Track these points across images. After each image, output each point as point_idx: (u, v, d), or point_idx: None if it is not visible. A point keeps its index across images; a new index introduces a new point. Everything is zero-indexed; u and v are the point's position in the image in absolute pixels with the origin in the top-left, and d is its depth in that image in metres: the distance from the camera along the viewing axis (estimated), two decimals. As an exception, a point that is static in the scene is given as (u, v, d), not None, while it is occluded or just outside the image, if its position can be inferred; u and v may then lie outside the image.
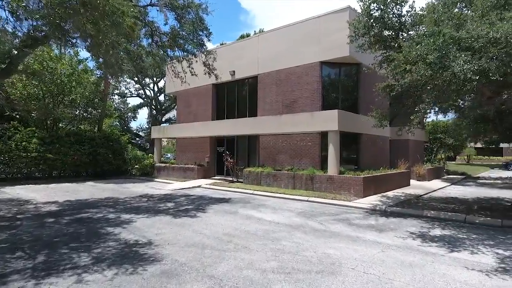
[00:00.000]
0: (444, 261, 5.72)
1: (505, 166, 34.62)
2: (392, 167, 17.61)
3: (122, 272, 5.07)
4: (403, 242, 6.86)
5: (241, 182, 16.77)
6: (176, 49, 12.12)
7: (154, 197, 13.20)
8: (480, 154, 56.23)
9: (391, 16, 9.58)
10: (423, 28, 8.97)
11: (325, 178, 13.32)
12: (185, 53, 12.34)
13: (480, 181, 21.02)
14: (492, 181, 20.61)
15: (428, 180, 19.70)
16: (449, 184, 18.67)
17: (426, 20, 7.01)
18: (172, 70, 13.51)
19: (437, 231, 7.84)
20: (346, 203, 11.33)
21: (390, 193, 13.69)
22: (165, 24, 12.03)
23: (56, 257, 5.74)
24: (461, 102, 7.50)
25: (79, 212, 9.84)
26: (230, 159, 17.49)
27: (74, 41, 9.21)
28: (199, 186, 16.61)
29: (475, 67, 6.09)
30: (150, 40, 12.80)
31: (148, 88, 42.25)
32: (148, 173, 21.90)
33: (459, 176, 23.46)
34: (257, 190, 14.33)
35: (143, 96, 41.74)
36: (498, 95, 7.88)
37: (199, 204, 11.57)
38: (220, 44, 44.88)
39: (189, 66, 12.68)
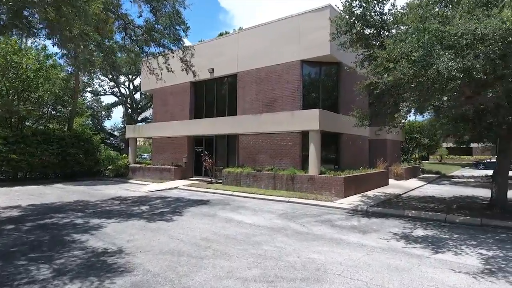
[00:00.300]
0: (430, 264, 5.55)
1: (475, 165, 35.98)
2: (371, 167, 17.70)
3: (86, 286, 4.53)
4: (387, 244, 6.68)
5: (220, 183, 16.30)
6: (152, 44, 11.49)
7: (127, 200, 12.50)
8: (451, 154, 58.47)
9: (373, 14, 9.46)
10: (404, 28, 8.89)
11: (306, 178, 13.10)
12: (161, 48, 11.74)
13: (454, 179, 21.61)
14: (465, 180, 21.23)
15: (406, 179, 20.01)
16: (425, 183, 19.02)
17: (410, 16, 6.87)
18: (147, 66, 12.85)
19: (419, 232, 7.74)
20: (328, 204, 11.14)
21: (370, 193, 13.67)
22: (139, 17, 11.38)
23: (11, 271, 5.09)
24: (444, 100, 7.42)
25: (44, 218, 9.06)
26: (208, 159, 16.97)
27: (38, 31, 8.46)
28: (176, 188, 15.99)
29: (459, 65, 5.99)
30: (123, 34, 12.06)
31: (123, 86, 40.81)
32: (122, 174, 20.96)
33: (434, 175, 24.05)
34: (237, 191, 13.92)
35: (118, 94, 40.25)
36: (478, 94, 7.88)
37: (176, 206, 11.02)
38: (199, 42, 44.20)
39: (165, 62, 12.09)
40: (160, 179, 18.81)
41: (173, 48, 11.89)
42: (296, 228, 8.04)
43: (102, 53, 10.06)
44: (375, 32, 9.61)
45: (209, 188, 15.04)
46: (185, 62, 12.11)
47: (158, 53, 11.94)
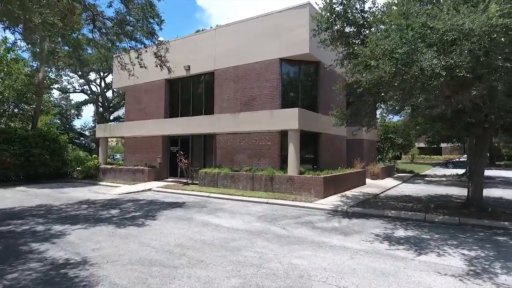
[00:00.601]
0: (415, 267, 5.37)
1: (445, 165, 37.33)
2: (349, 167, 17.75)
3: (40, 306, 3.95)
4: (371, 246, 6.48)
5: (197, 184, 15.73)
6: (123, 37, 10.78)
7: (96, 203, 11.70)
8: (422, 153, 60.53)
9: (354, 11, 9.30)
10: (385, 26, 8.78)
11: (285, 178, 12.83)
12: (133, 42, 11.05)
13: (427, 178, 22.17)
14: (437, 179, 21.82)
15: (382, 179, 20.26)
16: (400, 182, 19.33)
17: (393, 13, 6.72)
18: (119, 62, 12.09)
19: (401, 232, 7.62)
20: (307, 204, 10.91)
21: (348, 193, 13.61)
22: (108, 7, 10.62)
23: (-49, 289, 4.40)
24: (421, 100, 7.34)
25: (-1, 225, 8.20)
26: (184, 159, 16.34)
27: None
28: (149, 190, 15.25)
29: (443, 63, 5.87)
30: (92, 27, 11.26)
31: (94, 84, 39.07)
32: (92, 176, 19.85)
33: (408, 174, 24.59)
34: (214, 193, 13.43)
35: (88, 92, 38.43)
36: (457, 94, 7.88)
37: (149, 210, 10.39)
38: (174, 38, 43.10)
39: (138, 57, 11.41)
40: (133, 180, 17.94)
41: (147, 42, 11.24)
42: (277, 231, 7.70)
43: (67, 45, 9.26)
44: (355, 30, 9.46)
45: (184, 190, 14.44)
46: (160, 58, 11.47)
47: (130, 47, 11.22)
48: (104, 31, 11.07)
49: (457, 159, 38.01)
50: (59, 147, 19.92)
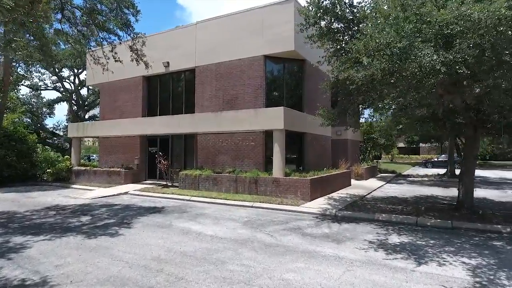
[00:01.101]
0: (418, 279, 4.93)
1: (424, 164, 38.00)
2: (333, 167, 17.43)
3: None
4: (366, 256, 6.01)
5: (177, 186, 14.91)
6: (95, 28, 9.88)
7: (65, 209, 10.73)
8: (401, 153, 61.73)
9: (343, 6, 8.85)
10: (378, 21, 8.38)
11: (270, 180, 12.28)
12: (106, 34, 10.16)
13: (410, 179, 22.25)
14: (420, 179, 21.93)
15: (366, 179, 20.12)
16: (384, 182, 19.23)
17: (390, 4, 6.28)
18: (91, 55, 11.16)
19: (395, 238, 7.22)
20: (294, 208, 10.40)
21: (335, 195, 13.23)
22: None
23: None
24: (415, 98, 6.97)
25: None
26: (163, 161, 15.47)
27: None
28: (126, 193, 14.31)
29: (442, 58, 5.47)
30: (60, 16, 10.28)
31: (68, 81, 37.13)
32: (64, 179, 18.57)
33: (390, 175, 24.65)
34: (195, 196, 12.70)
35: (61, 89, 36.49)
36: (449, 93, 7.58)
37: (124, 216, 9.56)
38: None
39: (112, 51, 10.52)
40: (108, 183, 16.88)
41: (121, 34, 10.38)
42: (264, 239, 7.12)
43: (29, 34, 8.30)
44: (344, 25, 9.01)
45: (164, 193, 13.61)
46: (136, 51, 10.63)
47: (103, 38, 10.32)
48: (74, 21, 10.11)
49: (436, 159, 38.81)
50: (27, 148, 18.54)
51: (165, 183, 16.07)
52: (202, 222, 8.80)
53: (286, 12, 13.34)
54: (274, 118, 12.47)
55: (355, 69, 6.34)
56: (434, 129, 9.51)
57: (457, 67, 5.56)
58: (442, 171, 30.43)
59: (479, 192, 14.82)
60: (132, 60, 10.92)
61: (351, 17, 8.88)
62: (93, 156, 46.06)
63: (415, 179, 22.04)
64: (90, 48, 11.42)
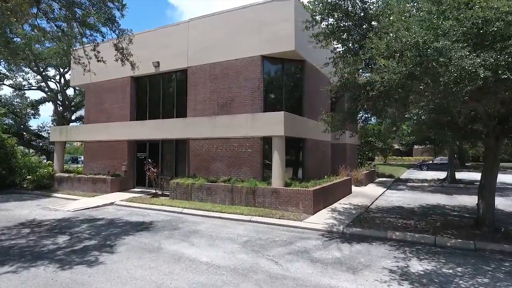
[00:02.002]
0: (463, 331, 4.04)
1: (419, 167, 37.61)
2: (333, 173, 16.60)
3: None
4: (391, 292, 5.11)
5: (167, 195, 13.85)
6: (74, 24, 8.79)
7: (42, 226, 9.59)
8: (394, 155, 61.50)
9: (354, 0, 7.97)
10: (391, 20, 7.51)
11: (269, 191, 11.33)
12: (88, 31, 9.06)
13: (410, 184, 21.58)
14: (420, 184, 21.28)
15: (365, 185, 19.38)
16: (385, 188, 18.49)
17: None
18: (72, 55, 10.05)
19: (416, 265, 6.35)
20: (298, 224, 9.47)
21: (338, 205, 12.36)
22: None
23: None
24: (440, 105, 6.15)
25: None
26: (153, 168, 14.39)
27: None
28: (111, 204, 13.18)
29: (484, 61, 4.61)
30: (36, 10, 9.15)
31: (53, 80, 35.51)
32: (45, 186, 17.26)
33: (389, 179, 23.99)
34: (188, 208, 11.67)
35: (46, 89, 34.88)
36: (474, 100, 6.75)
37: (107, 236, 8.48)
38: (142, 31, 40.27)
39: (94, 49, 9.42)
40: (94, 191, 15.70)
41: (104, 30, 9.30)
42: (269, 268, 6.16)
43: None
44: (355, 23, 8.12)
45: (153, 204, 12.54)
46: (121, 50, 9.55)
47: (83, 34, 9.19)
48: (52, 15, 8.99)
49: (431, 161, 38.46)
50: (5, 153, 17.22)
51: (154, 191, 14.99)
52: (196, 243, 7.80)
53: (286, 10, 12.42)
54: (273, 124, 11.53)
55: (377, 72, 5.43)
56: (452, 137, 8.72)
57: (499, 72, 4.70)
58: (437, 173, 30.02)
59: (463, 199, 14.13)
60: (116, 60, 9.84)
61: (362, 13, 8.00)
62: (81, 157, 44.29)
63: (415, 184, 21.38)
64: (71, 47, 10.31)
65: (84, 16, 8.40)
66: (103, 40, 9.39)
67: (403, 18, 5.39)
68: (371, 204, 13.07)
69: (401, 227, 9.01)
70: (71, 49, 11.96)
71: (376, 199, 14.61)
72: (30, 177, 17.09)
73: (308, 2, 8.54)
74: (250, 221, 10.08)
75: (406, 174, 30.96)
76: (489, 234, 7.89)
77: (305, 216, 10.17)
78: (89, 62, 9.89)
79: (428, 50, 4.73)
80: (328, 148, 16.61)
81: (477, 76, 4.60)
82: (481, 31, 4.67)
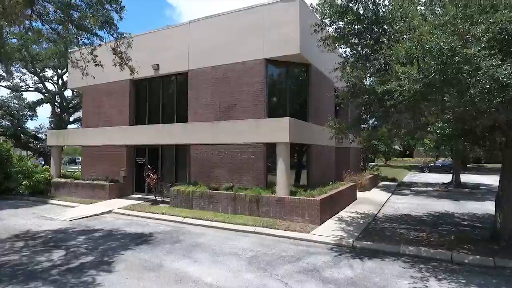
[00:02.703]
0: None
1: (421, 169, 37.21)
2: (337, 179, 16.22)
3: None
4: (414, 322, 4.69)
5: (167, 202, 13.41)
6: (70, 26, 8.35)
7: (37, 238, 9.16)
8: (393, 156, 61.08)
9: (365, 3, 7.56)
10: (413, 23, 7.11)
11: (273, 200, 10.91)
12: (84, 34, 8.61)
13: (414, 188, 21.17)
14: (424, 189, 20.87)
15: (369, 190, 18.98)
16: (389, 194, 18.10)
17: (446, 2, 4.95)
18: (69, 58, 9.61)
19: (435, 286, 5.94)
20: (304, 236, 9.06)
21: (344, 214, 11.96)
22: None
23: None
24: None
25: None
26: (152, 175, 13.96)
27: None
28: (110, 212, 12.75)
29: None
30: (30, 12, 8.71)
31: (51, 81, 35.02)
32: (42, 192, 16.81)
33: (392, 183, 23.59)
34: (189, 217, 11.26)
35: (43, 90, 34.37)
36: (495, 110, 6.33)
37: (105, 250, 8.05)
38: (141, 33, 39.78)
39: (91, 53, 8.98)
40: (92, 198, 15.25)
41: (102, 34, 8.86)
42: (278, 290, 5.74)
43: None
44: (366, 26, 7.71)
45: (153, 212, 12.11)
46: (119, 55, 9.11)
47: (79, 36, 8.73)
48: (47, 17, 8.55)
49: (433, 164, 38.08)
50: (1, 158, 16.75)
51: (154, 198, 14.57)
52: (199, 259, 7.37)
53: (290, 11, 12.00)
54: (278, 130, 11.10)
55: (396, 77, 5.01)
56: (471, 148, 8.33)
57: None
58: (440, 176, 29.66)
59: (489, 207, 13.77)
60: (115, 65, 9.40)
61: (374, 17, 7.58)
62: (79, 158, 43.66)
63: (419, 189, 20.98)
64: (68, 50, 9.87)
65: (80, 19, 7.96)
66: (100, 44, 8.94)
67: (425, 22, 4.97)
68: (378, 212, 12.66)
69: (413, 240, 8.59)
70: (68, 52, 11.55)
71: (382, 206, 14.20)
72: (26, 182, 16.64)
73: (317, 4, 8.13)
74: (254, 232, 9.66)
75: (409, 177, 30.59)
76: (508, 250, 7.49)
77: (311, 227, 9.75)
78: (87, 66, 9.46)
79: (455, 57, 4.32)
80: (332, 152, 16.20)
81: (510, 87, 4.19)
82: (498, 38, 4.26)
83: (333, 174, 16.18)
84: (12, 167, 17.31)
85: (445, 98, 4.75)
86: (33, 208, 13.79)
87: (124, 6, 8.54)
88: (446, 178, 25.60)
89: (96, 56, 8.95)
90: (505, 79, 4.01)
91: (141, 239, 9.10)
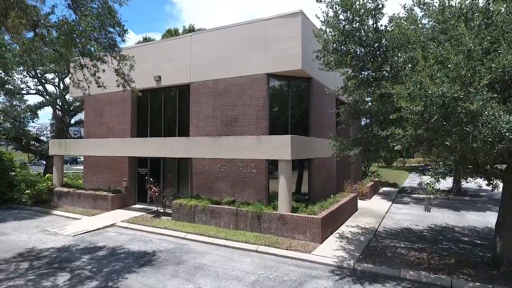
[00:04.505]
0: None
1: (422, 171, 37.23)
2: (338, 189, 16.31)
3: None
4: None
5: (169, 214, 13.52)
6: (74, 50, 8.39)
7: (41, 258, 9.25)
8: (395, 158, 60.89)
9: (367, 30, 7.58)
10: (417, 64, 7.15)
11: (275, 217, 10.99)
12: (86, 57, 8.64)
13: (415, 195, 21.26)
14: (424, 196, 20.86)
15: (370, 198, 19.07)
16: (390, 202, 18.20)
17: (456, 31, 4.93)
18: (71, 78, 9.67)
19: (436, 319, 6.03)
20: (306, 256, 9.15)
21: (345, 229, 12.04)
22: (49, 14, 8.13)
23: None
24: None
25: None
26: (154, 188, 14.04)
27: None
28: (112, 225, 12.85)
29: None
30: (32, 34, 8.74)
31: (51, 83, 34.94)
32: (45, 201, 16.91)
33: (392, 189, 23.69)
34: (191, 233, 11.35)
35: (44, 93, 34.34)
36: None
37: (110, 273, 8.15)
38: (144, 39, 39.70)
39: (94, 75, 9.02)
40: (94, 208, 15.36)
41: (105, 57, 8.87)
42: (281, 324, 5.83)
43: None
44: (368, 51, 7.74)
45: (156, 227, 12.21)
46: (122, 76, 9.15)
47: (81, 63, 8.77)
48: (49, 40, 8.57)
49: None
50: (3, 168, 16.85)
51: (156, 209, 14.67)
52: (202, 284, 7.47)
53: (292, 26, 12.00)
54: (279, 148, 11.16)
55: (397, 127, 5.06)
56: (470, 174, 8.39)
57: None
58: (448, 184, 29.60)
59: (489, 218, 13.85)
60: (118, 86, 9.45)
61: (377, 44, 7.61)
62: (80, 158, 43.53)
63: (420, 196, 21.04)
64: (74, 61, 9.85)
65: (84, 43, 7.99)
66: (104, 70, 8.95)
67: (427, 65, 4.99)
68: (378, 226, 12.75)
69: (413, 262, 8.68)
70: (70, 71, 11.58)
71: (383, 218, 14.29)
72: (28, 191, 16.72)
73: (320, 29, 8.15)
74: (256, 251, 9.76)
75: (409, 180, 30.69)
76: (508, 276, 7.57)
77: (313, 246, 9.84)
78: (88, 87, 9.50)
79: (458, 108, 4.36)
80: (334, 164, 16.25)
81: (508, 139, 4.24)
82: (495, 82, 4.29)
83: (335, 184, 16.26)
84: (15, 176, 17.40)
85: (447, 143, 4.80)
86: (36, 220, 13.88)
87: (127, 30, 8.58)
88: (447, 181, 25.61)
89: (99, 78, 8.99)
90: (507, 134, 4.05)
91: (145, 259, 9.20)
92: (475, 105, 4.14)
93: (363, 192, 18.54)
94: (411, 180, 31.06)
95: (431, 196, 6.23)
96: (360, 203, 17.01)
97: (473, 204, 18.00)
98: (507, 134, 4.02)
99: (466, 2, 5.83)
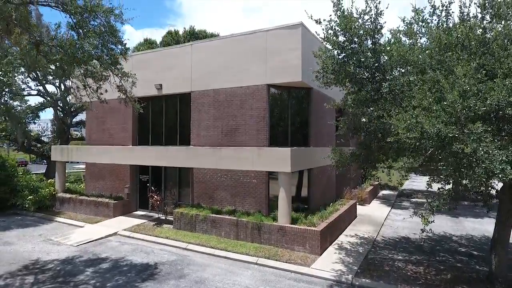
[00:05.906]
0: None
1: (422, 171, 37.39)
2: (338, 195, 16.48)
3: None
4: None
5: (171, 222, 13.70)
6: (76, 67, 8.50)
7: (45, 271, 9.44)
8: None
9: (366, 51, 7.67)
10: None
11: (275, 228, 11.16)
12: (88, 74, 8.76)
13: (414, 199, 21.44)
14: (424, 200, 21.06)
15: (369, 203, 19.23)
16: (389, 208, 18.37)
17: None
18: (73, 94, 9.80)
19: None
20: (305, 270, 9.33)
21: (344, 239, 12.22)
22: (52, 39, 8.20)
23: None
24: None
25: None
26: (156, 196, 14.21)
27: None
28: (115, 234, 13.04)
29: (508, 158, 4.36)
30: (35, 52, 8.84)
31: (52, 83, 35.03)
32: (47, 207, 17.10)
33: (392, 192, 23.87)
34: (192, 243, 11.55)
35: (45, 94, 34.45)
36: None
37: (115, 287, 8.34)
38: (144, 40, 39.67)
39: (96, 91, 9.15)
40: (96, 215, 15.56)
41: (106, 73, 8.99)
42: None
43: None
44: (368, 72, 7.85)
45: (157, 236, 12.41)
46: (124, 92, 9.27)
47: (84, 83, 8.89)
48: (52, 57, 8.68)
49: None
50: (6, 175, 17.01)
51: (157, 216, 14.87)
52: (203, 301, 7.65)
53: (293, 38, 12.07)
54: (280, 160, 11.28)
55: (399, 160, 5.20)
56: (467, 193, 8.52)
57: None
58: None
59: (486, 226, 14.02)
60: (120, 102, 9.59)
61: (376, 64, 7.71)
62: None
63: (419, 200, 21.22)
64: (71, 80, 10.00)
65: (87, 61, 8.09)
66: (106, 89, 9.08)
67: (424, 101, 5.10)
68: (377, 235, 12.92)
69: (410, 277, 8.86)
70: (72, 85, 11.73)
71: (382, 226, 14.46)
72: (31, 197, 16.90)
73: (319, 49, 8.25)
74: (256, 263, 9.94)
75: (409, 182, 30.85)
76: (502, 293, 7.74)
77: (312, 259, 10.02)
78: (90, 102, 9.63)
79: (453, 144, 4.48)
80: (333, 170, 16.37)
81: (506, 175, 4.36)
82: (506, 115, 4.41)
83: (334, 191, 16.43)
84: (18, 182, 17.56)
85: (443, 172, 4.93)
86: (40, 228, 14.07)
87: (129, 48, 8.68)
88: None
89: (101, 93, 9.12)
90: (500, 175, 4.17)
91: (147, 272, 9.38)
92: (469, 147, 4.25)
93: (362, 197, 18.70)
94: (411, 181, 31.23)
95: (425, 226, 6.32)
96: (360, 209, 17.17)
97: (472, 209, 18.16)
98: (500, 175, 4.15)
99: (463, 31, 5.92)
